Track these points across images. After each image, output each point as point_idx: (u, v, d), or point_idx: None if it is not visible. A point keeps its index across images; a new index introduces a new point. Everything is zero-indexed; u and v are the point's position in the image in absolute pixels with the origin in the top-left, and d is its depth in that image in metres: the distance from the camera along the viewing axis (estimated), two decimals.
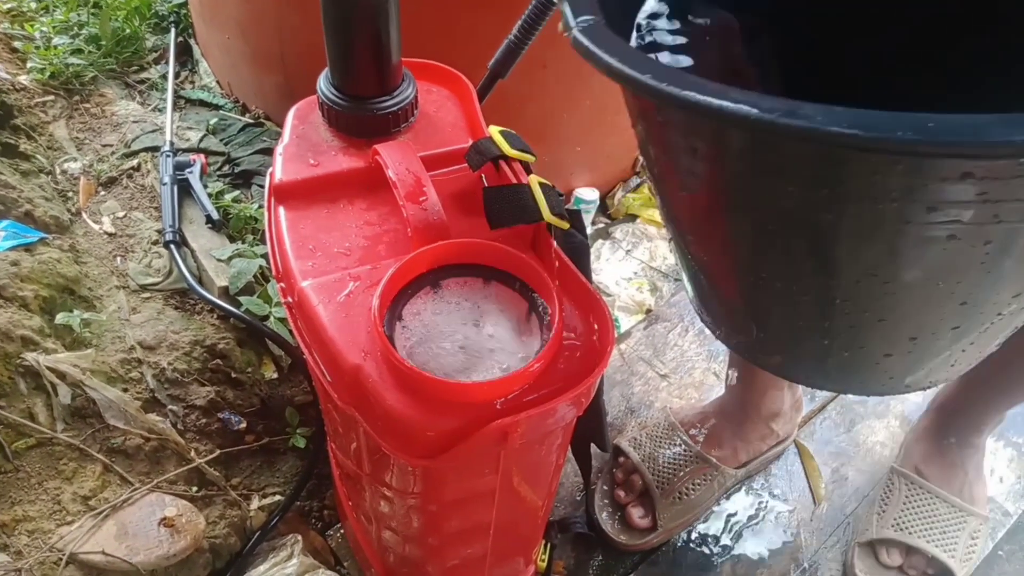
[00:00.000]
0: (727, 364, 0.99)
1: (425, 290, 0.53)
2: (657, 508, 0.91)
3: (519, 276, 0.53)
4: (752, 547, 0.94)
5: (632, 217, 1.32)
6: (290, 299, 0.56)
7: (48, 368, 0.80)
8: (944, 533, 0.87)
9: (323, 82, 0.62)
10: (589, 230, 1.31)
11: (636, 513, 0.92)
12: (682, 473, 0.93)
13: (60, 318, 0.85)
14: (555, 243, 0.55)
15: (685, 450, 0.94)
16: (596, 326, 0.52)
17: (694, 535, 0.94)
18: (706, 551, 0.93)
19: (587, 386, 0.49)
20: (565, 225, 0.56)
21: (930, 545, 0.86)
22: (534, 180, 0.57)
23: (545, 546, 0.82)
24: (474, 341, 0.52)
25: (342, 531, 0.91)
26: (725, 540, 0.94)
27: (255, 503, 0.88)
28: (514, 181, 0.58)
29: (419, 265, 0.53)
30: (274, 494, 0.90)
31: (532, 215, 0.55)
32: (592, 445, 0.79)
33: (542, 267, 0.53)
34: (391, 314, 0.51)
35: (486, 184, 0.60)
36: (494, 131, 0.61)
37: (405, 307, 0.52)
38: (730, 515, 0.97)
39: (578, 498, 0.96)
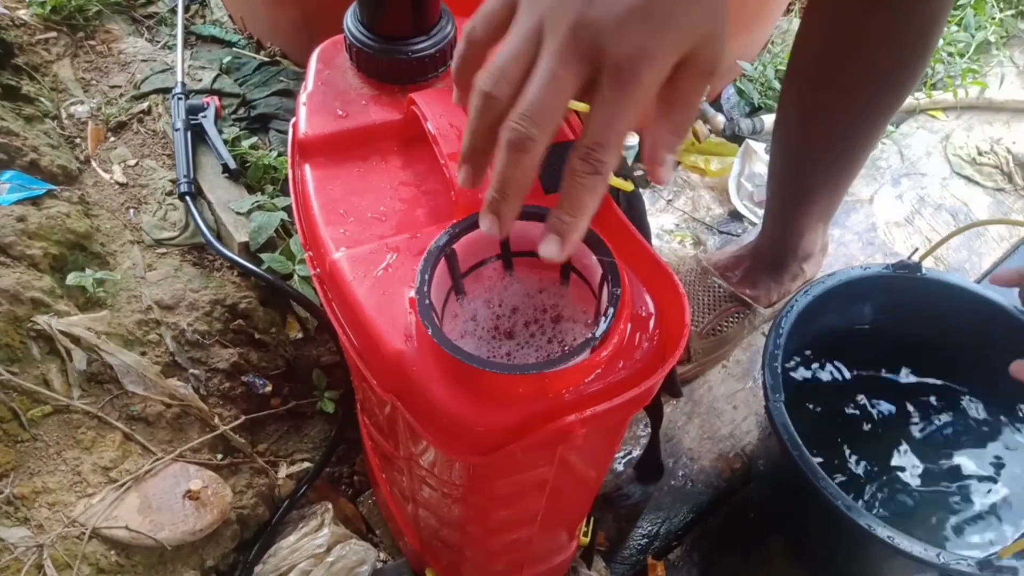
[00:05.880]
0: (763, 208, 0.99)
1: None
2: (691, 343, 0.95)
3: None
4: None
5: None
6: (319, 270, 0.50)
7: (61, 332, 0.75)
8: None
9: (350, 20, 0.54)
10: None
11: None
12: (716, 311, 0.97)
13: (72, 278, 0.80)
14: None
15: (720, 291, 0.98)
16: (667, 303, 0.46)
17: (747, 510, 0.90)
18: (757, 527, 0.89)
19: (661, 375, 0.43)
20: (629, 187, 0.49)
21: None
22: None
23: (588, 519, 0.78)
24: (528, 320, 0.46)
25: (373, 497, 0.87)
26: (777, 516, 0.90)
27: (283, 470, 0.84)
28: (570, 135, 0.51)
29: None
30: (302, 460, 0.86)
31: None
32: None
33: (604, 236, 0.46)
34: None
35: None
36: None
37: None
38: None
39: (619, 467, 0.91)
